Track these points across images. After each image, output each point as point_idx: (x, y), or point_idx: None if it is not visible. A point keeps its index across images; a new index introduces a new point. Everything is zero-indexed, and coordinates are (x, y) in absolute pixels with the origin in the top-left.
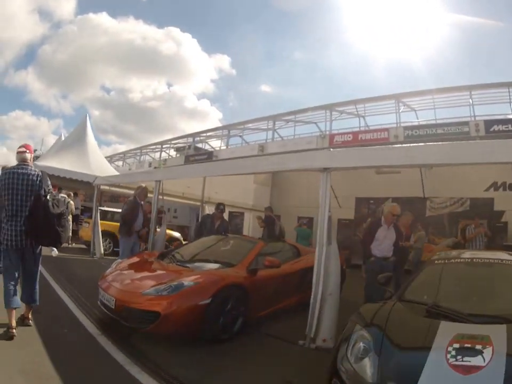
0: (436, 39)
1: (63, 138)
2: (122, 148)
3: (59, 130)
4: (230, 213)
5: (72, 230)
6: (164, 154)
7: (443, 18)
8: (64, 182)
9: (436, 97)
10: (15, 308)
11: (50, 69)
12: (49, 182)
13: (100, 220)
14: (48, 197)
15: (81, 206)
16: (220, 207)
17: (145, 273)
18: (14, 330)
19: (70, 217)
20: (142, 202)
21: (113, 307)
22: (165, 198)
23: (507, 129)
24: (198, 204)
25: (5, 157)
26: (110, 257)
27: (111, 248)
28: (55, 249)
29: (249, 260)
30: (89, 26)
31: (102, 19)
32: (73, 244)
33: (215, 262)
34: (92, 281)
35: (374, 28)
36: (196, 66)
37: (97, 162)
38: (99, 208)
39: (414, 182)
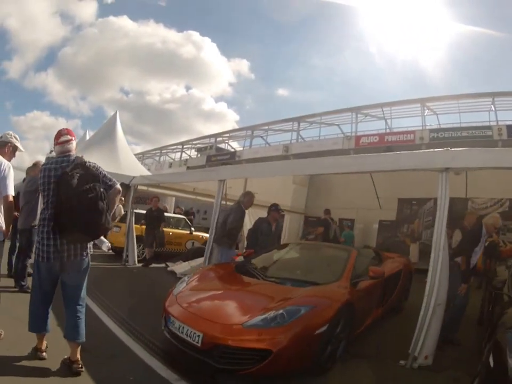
0: (446, 46)
1: (87, 137)
2: (138, 149)
3: (77, 131)
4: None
5: None
6: (184, 155)
7: (454, 27)
8: None
9: (460, 102)
10: (41, 333)
11: (70, 70)
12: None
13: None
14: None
15: None
16: (276, 207)
17: (236, 295)
18: (44, 353)
19: None
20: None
21: (198, 344)
22: (207, 199)
23: None
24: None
25: (20, 158)
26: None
27: (144, 254)
28: (105, 240)
29: (350, 272)
30: (110, 29)
31: (123, 22)
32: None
33: (311, 276)
34: (140, 298)
35: (386, 34)
36: (215, 70)
37: (128, 161)
38: (134, 211)
39: (456, 182)
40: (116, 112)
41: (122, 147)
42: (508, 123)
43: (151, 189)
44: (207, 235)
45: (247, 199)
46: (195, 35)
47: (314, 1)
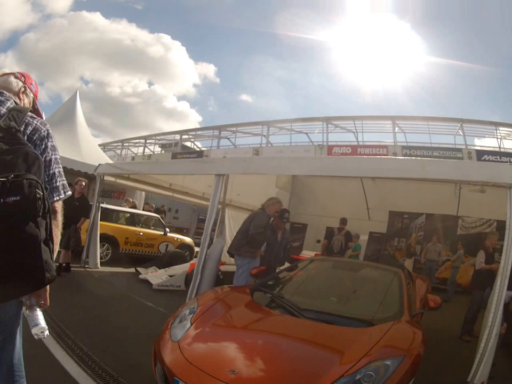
0: (416, 74)
1: (43, 117)
2: (97, 141)
3: None
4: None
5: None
6: (146, 150)
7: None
8: None
9: (430, 124)
10: None
11: (31, 55)
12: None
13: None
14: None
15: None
16: (285, 215)
17: (279, 346)
18: None
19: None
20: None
21: None
22: (183, 197)
23: (496, 159)
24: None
25: None
26: (108, 268)
27: (109, 256)
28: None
29: (408, 302)
30: (80, 23)
31: (95, 18)
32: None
33: (364, 310)
34: (111, 322)
35: (358, 58)
36: (180, 70)
37: (89, 148)
38: (101, 205)
39: (448, 199)
40: (76, 92)
41: (83, 132)
42: (476, 148)
43: (119, 181)
44: (182, 237)
45: (273, 205)
46: (166, 37)
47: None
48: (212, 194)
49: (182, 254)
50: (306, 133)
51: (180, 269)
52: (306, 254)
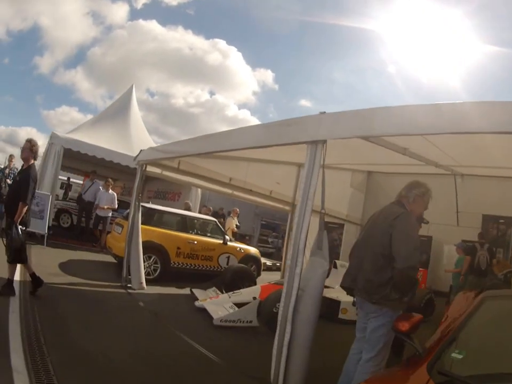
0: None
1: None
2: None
3: None
4: (326, 223)
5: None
6: None
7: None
8: (98, 165)
9: None
10: None
11: (99, 69)
12: None
13: (143, 224)
14: None
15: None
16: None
17: None
18: None
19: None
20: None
21: None
22: (245, 195)
23: None
24: (287, 208)
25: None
26: (156, 288)
27: (158, 271)
28: None
29: None
30: (139, 32)
31: (152, 26)
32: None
33: None
34: None
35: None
36: (239, 78)
37: (140, 140)
38: (141, 204)
39: None
40: (132, 86)
41: (135, 123)
42: None
43: (165, 173)
44: (246, 247)
45: (421, 198)
46: (221, 43)
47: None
48: (304, 179)
49: (248, 271)
50: None
51: (248, 294)
52: None
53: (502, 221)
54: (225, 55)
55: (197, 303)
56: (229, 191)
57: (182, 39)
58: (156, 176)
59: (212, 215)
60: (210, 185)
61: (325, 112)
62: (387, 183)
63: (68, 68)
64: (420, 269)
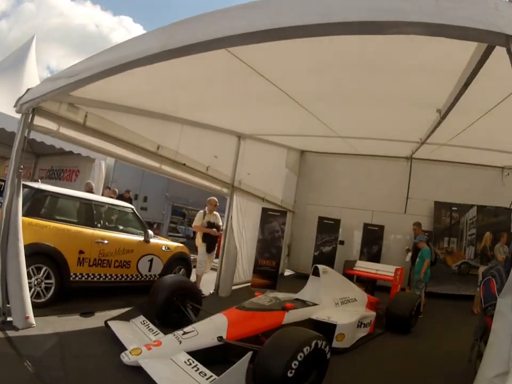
0: None
1: None
2: None
3: None
4: (264, 210)
5: None
6: None
7: None
8: None
9: None
10: None
11: (3, 45)
12: None
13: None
14: None
15: None
16: None
17: None
18: None
19: None
20: None
21: None
22: (176, 172)
23: None
24: (225, 190)
25: None
26: (50, 322)
27: (51, 291)
28: None
29: None
30: (46, 6)
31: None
32: None
33: None
34: None
35: None
36: None
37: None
38: (24, 183)
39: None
40: (34, 36)
41: (30, 76)
42: None
43: (63, 131)
44: (172, 243)
45: None
46: (128, 20)
47: None
48: None
49: (192, 288)
50: None
51: (208, 333)
52: (363, 266)
53: (455, 208)
54: (131, 33)
55: (125, 358)
56: (156, 164)
57: (89, 14)
58: (49, 133)
59: (117, 198)
60: (129, 154)
61: None
62: (321, 162)
63: None
64: None
